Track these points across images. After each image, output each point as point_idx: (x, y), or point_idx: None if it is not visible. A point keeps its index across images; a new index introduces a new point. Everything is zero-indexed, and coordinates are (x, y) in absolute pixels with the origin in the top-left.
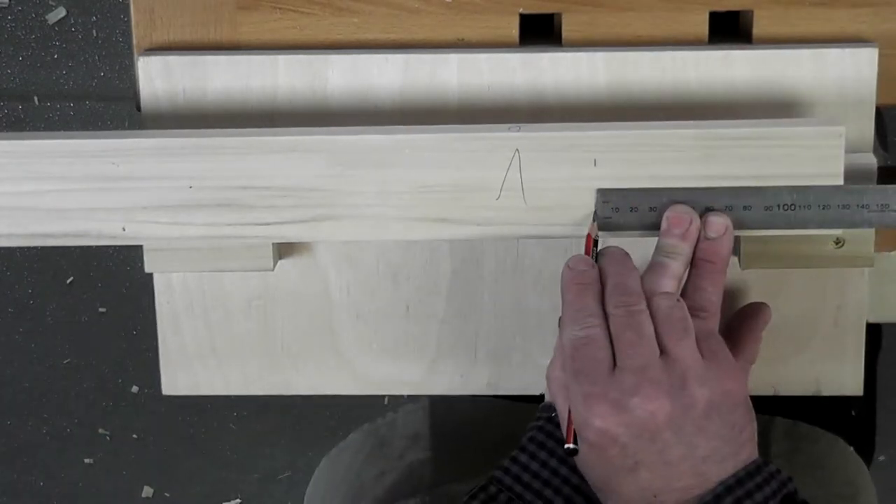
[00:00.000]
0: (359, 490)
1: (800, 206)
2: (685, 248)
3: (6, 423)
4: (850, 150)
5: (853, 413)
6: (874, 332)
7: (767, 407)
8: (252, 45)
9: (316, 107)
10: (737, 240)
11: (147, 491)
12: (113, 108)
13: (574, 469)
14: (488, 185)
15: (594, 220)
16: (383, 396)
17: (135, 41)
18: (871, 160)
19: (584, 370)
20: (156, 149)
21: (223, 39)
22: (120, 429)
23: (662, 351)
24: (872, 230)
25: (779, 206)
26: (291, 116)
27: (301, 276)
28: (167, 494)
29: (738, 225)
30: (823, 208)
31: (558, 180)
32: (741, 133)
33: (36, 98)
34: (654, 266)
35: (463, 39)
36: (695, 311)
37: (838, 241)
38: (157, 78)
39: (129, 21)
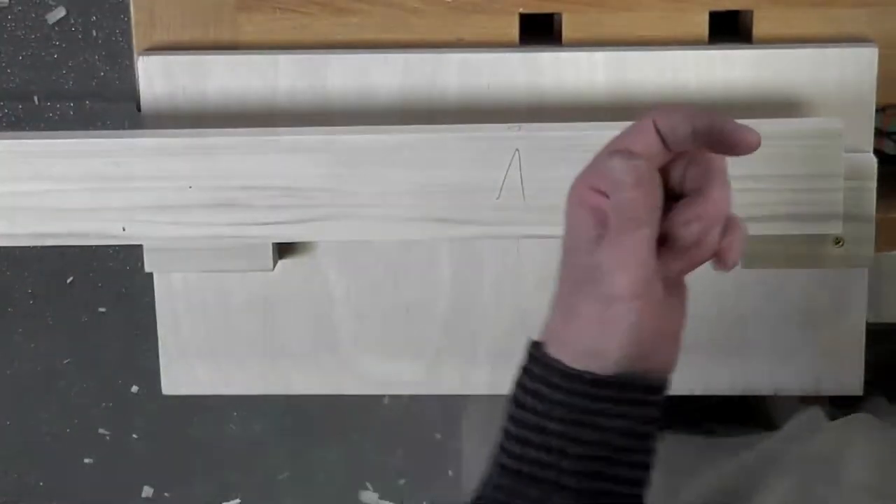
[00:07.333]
0: None
1: None
2: None
3: (6, 423)
4: (850, 150)
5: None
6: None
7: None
8: (252, 45)
9: (316, 107)
10: None
11: (147, 491)
12: (113, 108)
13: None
14: (488, 185)
15: None
16: (383, 396)
17: (135, 41)
18: (871, 160)
19: None
20: (156, 149)
21: (223, 39)
22: (120, 429)
23: None
24: (872, 230)
25: None
26: (291, 116)
27: (301, 276)
28: (167, 494)
29: None
30: None
31: (558, 180)
32: None
33: (36, 98)
34: None
35: (463, 39)
36: None
37: (838, 241)
38: (157, 78)
39: (129, 21)
